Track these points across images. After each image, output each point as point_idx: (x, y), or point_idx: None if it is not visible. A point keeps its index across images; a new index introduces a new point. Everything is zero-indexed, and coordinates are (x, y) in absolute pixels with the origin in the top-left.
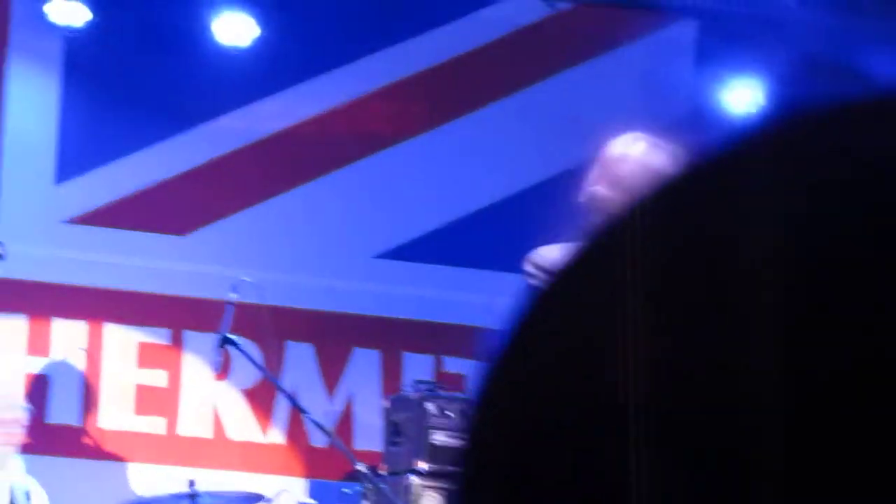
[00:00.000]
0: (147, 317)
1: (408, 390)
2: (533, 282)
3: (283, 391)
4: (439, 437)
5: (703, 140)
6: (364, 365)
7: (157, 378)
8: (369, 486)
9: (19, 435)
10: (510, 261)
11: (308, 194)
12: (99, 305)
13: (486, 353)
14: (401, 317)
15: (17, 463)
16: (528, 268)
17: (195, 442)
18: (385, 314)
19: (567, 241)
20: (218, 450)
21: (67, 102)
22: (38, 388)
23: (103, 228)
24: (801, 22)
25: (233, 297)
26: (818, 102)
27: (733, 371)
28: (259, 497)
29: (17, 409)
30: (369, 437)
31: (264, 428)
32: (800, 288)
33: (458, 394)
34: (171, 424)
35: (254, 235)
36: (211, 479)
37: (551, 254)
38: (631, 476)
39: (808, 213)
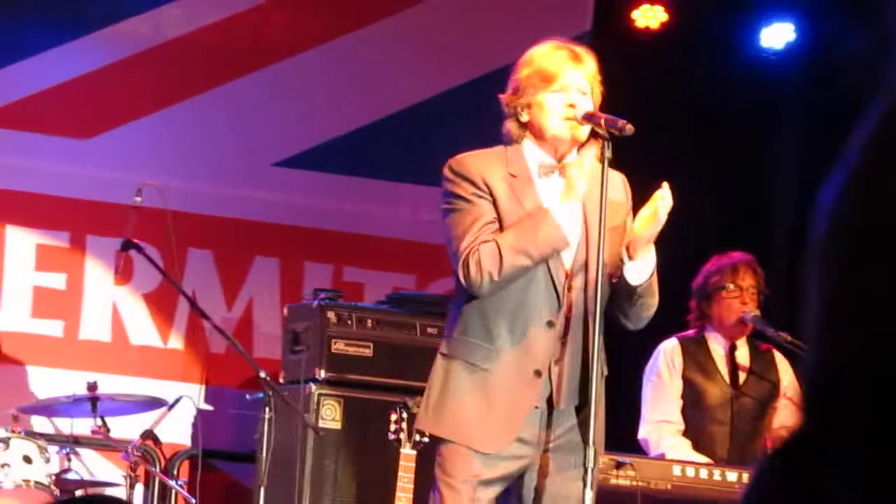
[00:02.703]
0: (48, 219)
1: (308, 299)
2: (453, 188)
3: (184, 296)
4: (339, 346)
5: None
6: (264, 273)
7: (57, 281)
8: (270, 393)
9: None
10: (407, 171)
11: (210, 101)
12: None
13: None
14: (301, 225)
15: None
16: (449, 174)
17: (95, 346)
18: (285, 222)
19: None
20: (118, 354)
21: None
22: None
23: (4, 130)
24: None
25: (136, 201)
26: None
27: None
28: (159, 402)
29: None
30: (268, 345)
31: (165, 333)
32: None
33: (357, 303)
34: (71, 328)
35: (157, 141)
36: (111, 384)
37: (472, 161)
38: None
39: None
